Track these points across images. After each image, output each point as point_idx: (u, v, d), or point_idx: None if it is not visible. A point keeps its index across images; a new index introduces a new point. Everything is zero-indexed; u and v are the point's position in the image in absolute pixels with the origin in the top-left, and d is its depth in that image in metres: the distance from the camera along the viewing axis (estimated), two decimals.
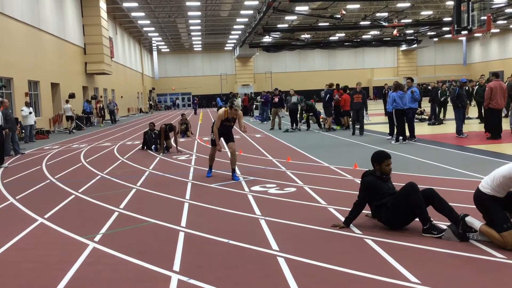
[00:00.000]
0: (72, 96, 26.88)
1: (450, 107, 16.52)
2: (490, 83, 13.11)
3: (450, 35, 33.84)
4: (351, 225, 5.19)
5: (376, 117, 24.54)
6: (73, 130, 24.69)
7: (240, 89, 61.36)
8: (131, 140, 18.42)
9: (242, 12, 41.71)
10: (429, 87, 36.38)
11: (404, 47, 63.26)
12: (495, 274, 3.81)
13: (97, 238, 5.22)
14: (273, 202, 6.65)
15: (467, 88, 19.01)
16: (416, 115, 16.93)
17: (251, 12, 41.32)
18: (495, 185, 4.44)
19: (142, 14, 40.71)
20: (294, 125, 19.47)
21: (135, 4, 36.76)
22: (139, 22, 44.92)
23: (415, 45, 57.90)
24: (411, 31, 52.99)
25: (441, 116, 19.70)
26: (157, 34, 51.89)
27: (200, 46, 63.38)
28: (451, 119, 16.98)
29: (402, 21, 43.18)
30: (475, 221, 4.55)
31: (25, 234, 5.56)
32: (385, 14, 42.40)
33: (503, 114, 14.84)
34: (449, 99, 17.24)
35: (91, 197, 7.52)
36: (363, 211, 5.28)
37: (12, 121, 14.33)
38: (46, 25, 25.45)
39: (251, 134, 18.19)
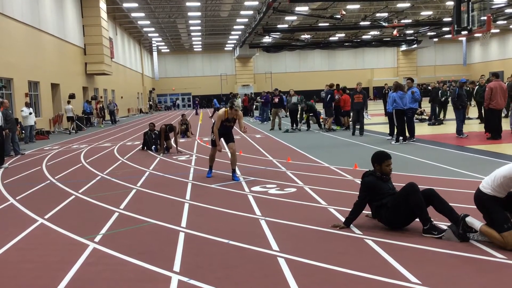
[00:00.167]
0: (72, 96, 26.90)
1: (450, 107, 16.53)
2: (490, 83, 13.11)
3: (450, 36, 33.85)
4: (351, 225, 5.19)
5: (376, 117, 24.54)
6: (73, 131, 24.66)
7: (240, 89, 61.36)
8: (131, 140, 18.42)
9: (242, 12, 41.71)
10: (429, 88, 36.39)
11: (404, 47, 63.30)
12: (495, 274, 3.81)
13: (97, 239, 5.22)
14: (273, 203, 6.65)
15: (467, 88, 19.01)
16: (416, 115, 16.94)
17: (251, 12, 41.33)
18: (496, 185, 4.44)
19: (142, 14, 40.72)
20: (294, 125, 19.47)
21: (135, 5, 36.78)
22: (139, 22, 44.94)
23: (415, 46, 57.93)
24: (411, 32, 53.00)
25: (441, 116, 19.71)
26: (157, 34, 51.91)
27: (200, 46, 63.40)
28: (451, 119, 16.99)
29: (402, 21, 43.19)
30: (476, 222, 4.55)
31: (25, 234, 5.56)
32: (385, 15, 42.42)
33: (503, 115, 14.84)
34: (449, 99, 17.25)
35: (91, 198, 7.52)
36: (363, 212, 5.28)
37: (12, 121, 14.34)
38: (46, 26, 25.46)
39: (251, 135, 18.19)
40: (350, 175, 8.48)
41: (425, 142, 13.02)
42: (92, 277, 4.09)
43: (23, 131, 18.88)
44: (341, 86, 19.37)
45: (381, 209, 5.07)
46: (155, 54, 63.18)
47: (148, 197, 7.47)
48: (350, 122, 17.81)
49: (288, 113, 20.62)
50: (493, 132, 12.86)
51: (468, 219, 4.58)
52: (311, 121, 20.36)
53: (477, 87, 18.62)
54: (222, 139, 8.93)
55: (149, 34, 52.27)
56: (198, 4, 37.37)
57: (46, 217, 6.34)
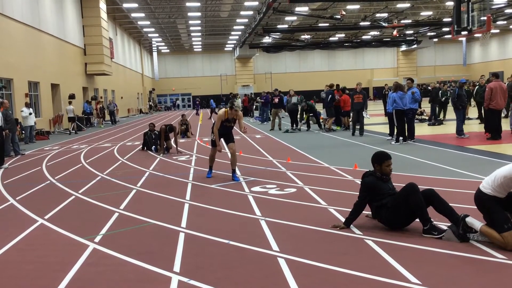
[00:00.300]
0: (72, 97, 26.92)
1: (450, 108, 16.53)
2: (490, 83, 13.10)
3: (450, 36, 33.84)
4: (351, 225, 5.19)
5: (376, 117, 24.55)
6: (73, 131, 24.66)
7: (240, 89, 61.38)
8: (131, 140, 18.42)
9: (242, 12, 41.72)
10: (429, 88, 36.38)
11: (404, 47, 63.33)
12: (495, 274, 3.81)
13: (97, 239, 5.22)
14: (273, 203, 6.65)
15: (467, 88, 19.02)
16: (416, 116, 16.94)
17: (251, 12, 41.33)
18: (496, 186, 4.44)
19: (142, 15, 40.73)
20: (294, 125, 19.47)
21: (135, 5, 36.79)
22: (139, 23, 44.94)
23: (415, 46, 57.96)
24: (411, 32, 53.00)
25: (441, 116, 19.71)
26: (157, 34, 51.92)
27: (200, 46, 63.42)
28: (450, 119, 17.00)
29: (402, 21, 43.19)
30: (476, 222, 4.55)
31: (25, 235, 5.55)
32: (385, 15, 42.43)
33: (503, 115, 14.84)
34: (449, 99, 17.24)
35: (91, 198, 7.52)
36: (363, 212, 5.28)
37: (12, 122, 14.34)
38: (46, 26, 25.46)
39: (251, 135, 18.19)
40: (350, 176, 8.48)
41: (425, 143, 13.02)
42: (92, 278, 4.09)
43: (23, 132, 18.88)
44: (341, 86, 19.37)
45: (381, 209, 5.07)
46: (155, 54, 63.19)
47: (148, 197, 7.47)
48: (350, 123, 17.81)
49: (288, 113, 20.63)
50: (493, 132, 12.86)
51: (468, 219, 4.58)
52: (311, 122, 20.36)
53: (477, 87, 18.62)
54: (222, 139, 8.93)
55: (149, 35, 52.28)
56: (198, 4, 37.38)
57: (46, 217, 6.34)
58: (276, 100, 21.36)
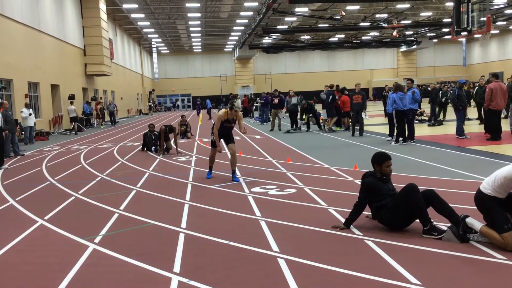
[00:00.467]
0: (72, 97, 26.91)
1: (450, 108, 16.53)
2: (490, 84, 13.11)
3: (449, 36, 33.83)
4: (351, 226, 5.19)
5: (375, 118, 24.55)
6: (73, 131, 24.65)
7: (240, 90, 61.34)
8: (131, 141, 18.42)
9: (241, 13, 41.73)
10: (429, 88, 36.39)
11: (403, 48, 63.33)
12: (495, 275, 3.81)
13: (97, 240, 5.21)
14: (273, 203, 6.65)
15: (466, 89, 19.02)
16: (416, 116, 16.94)
17: (250, 13, 41.34)
18: (496, 186, 4.44)
19: (142, 15, 40.74)
20: (294, 126, 19.47)
21: (135, 6, 36.79)
22: (139, 23, 44.94)
23: (415, 46, 57.97)
24: (411, 32, 53.01)
25: (441, 117, 19.71)
26: (157, 35, 51.93)
27: (200, 47, 63.42)
28: (450, 120, 17.00)
29: (402, 22, 43.22)
30: (476, 222, 4.55)
31: (25, 235, 5.55)
32: (385, 15, 42.45)
33: (503, 115, 14.84)
34: (449, 100, 17.24)
35: (91, 199, 7.52)
36: (363, 212, 5.28)
37: (12, 122, 14.33)
38: (46, 27, 25.46)
39: (251, 135, 18.19)
40: (350, 176, 8.48)
41: (425, 143, 13.02)
42: (92, 278, 4.08)
43: (23, 132, 18.87)
44: (340, 87, 19.36)
45: (381, 210, 5.07)
46: (155, 55, 63.20)
47: (148, 198, 7.47)
48: (350, 123, 17.81)
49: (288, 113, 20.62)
50: (493, 133, 12.86)
51: (468, 220, 4.58)
52: (310, 122, 20.37)
53: (476, 87, 18.62)
54: (222, 140, 8.93)
55: (149, 35, 52.29)
56: (198, 5, 37.39)
57: (46, 218, 6.34)
58: (276, 100, 21.37)
